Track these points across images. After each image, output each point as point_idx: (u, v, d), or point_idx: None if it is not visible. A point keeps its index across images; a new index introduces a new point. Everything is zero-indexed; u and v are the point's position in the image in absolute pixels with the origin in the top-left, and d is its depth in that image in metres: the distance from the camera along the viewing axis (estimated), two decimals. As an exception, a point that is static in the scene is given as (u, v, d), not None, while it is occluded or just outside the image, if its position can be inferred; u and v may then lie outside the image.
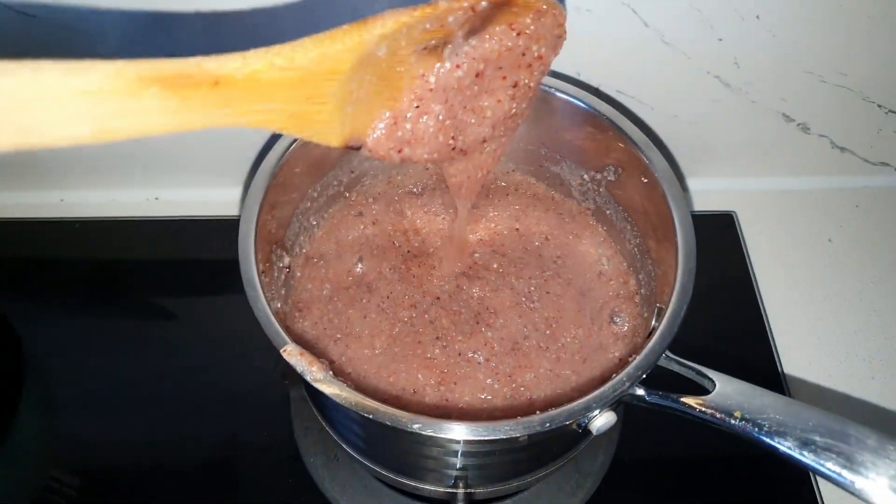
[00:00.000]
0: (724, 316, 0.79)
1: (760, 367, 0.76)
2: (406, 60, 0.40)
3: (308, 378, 0.46)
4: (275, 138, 0.57)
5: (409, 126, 0.43)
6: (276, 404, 0.73)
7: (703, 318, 0.78)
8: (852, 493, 0.43)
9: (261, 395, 0.74)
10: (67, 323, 0.80)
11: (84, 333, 0.79)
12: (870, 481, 0.43)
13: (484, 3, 0.40)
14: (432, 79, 0.42)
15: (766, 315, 0.79)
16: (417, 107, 0.43)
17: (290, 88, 0.36)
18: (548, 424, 0.45)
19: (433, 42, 0.40)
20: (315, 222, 0.65)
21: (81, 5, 0.66)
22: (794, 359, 0.76)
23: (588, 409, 0.46)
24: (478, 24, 0.42)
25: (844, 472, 0.43)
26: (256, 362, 0.74)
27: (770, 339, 0.77)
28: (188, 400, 0.74)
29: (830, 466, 0.44)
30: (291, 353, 0.46)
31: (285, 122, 0.36)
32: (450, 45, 0.41)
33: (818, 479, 0.68)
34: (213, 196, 0.88)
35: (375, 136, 0.41)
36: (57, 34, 0.68)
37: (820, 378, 0.76)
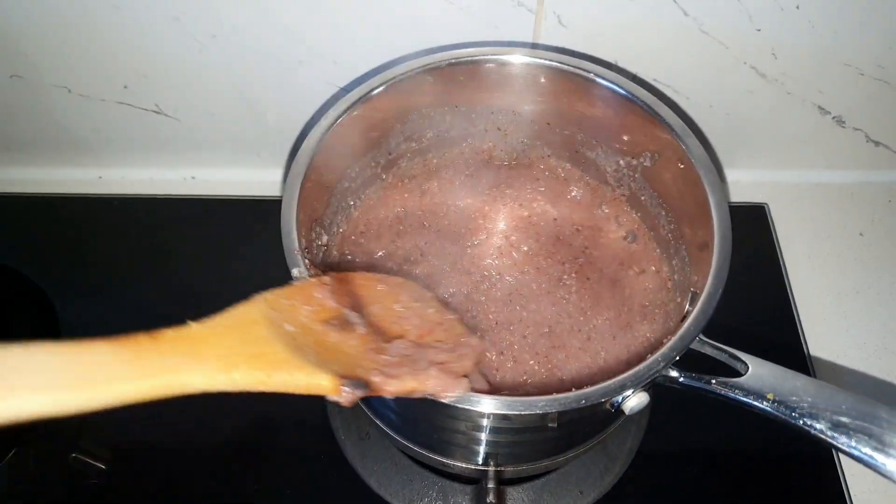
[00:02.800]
0: (754, 306, 0.79)
1: (788, 357, 0.75)
2: (327, 333, 0.44)
3: (351, 349, 0.47)
4: (312, 122, 0.58)
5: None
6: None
7: (734, 307, 0.78)
8: (884, 475, 0.43)
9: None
10: (104, 298, 0.82)
11: (120, 308, 0.81)
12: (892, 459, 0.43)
13: (327, 279, 0.48)
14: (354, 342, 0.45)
15: (795, 307, 0.79)
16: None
17: (222, 336, 0.40)
18: (583, 402, 0.46)
19: (334, 321, 0.46)
20: (352, 202, 0.67)
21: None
22: (823, 350, 0.76)
23: (623, 387, 0.47)
24: (353, 301, 0.48)
25: (876, 455, 0.44)
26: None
27: (800, 331, 0.77)
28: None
29: (862, 449, 0.44)
30: (334, 325, 0.47)
31: (254, 364, 0.39)
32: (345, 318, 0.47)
33: (843, 464, 0.69)
34: (246, 176, 0.90)
35: (377, 379, 0.43)
36: (102, 12, 0.70)
37: (849, 371, 0.76)
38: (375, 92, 0.59)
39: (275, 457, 0.71)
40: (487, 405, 0.45)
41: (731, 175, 0.90)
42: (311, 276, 0.50)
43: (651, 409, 0.72)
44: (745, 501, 0.69)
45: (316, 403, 0.73)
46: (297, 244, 0.51)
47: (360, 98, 0.58)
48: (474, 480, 0.68)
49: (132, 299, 0.82)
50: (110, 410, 0.73)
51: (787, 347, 0.76)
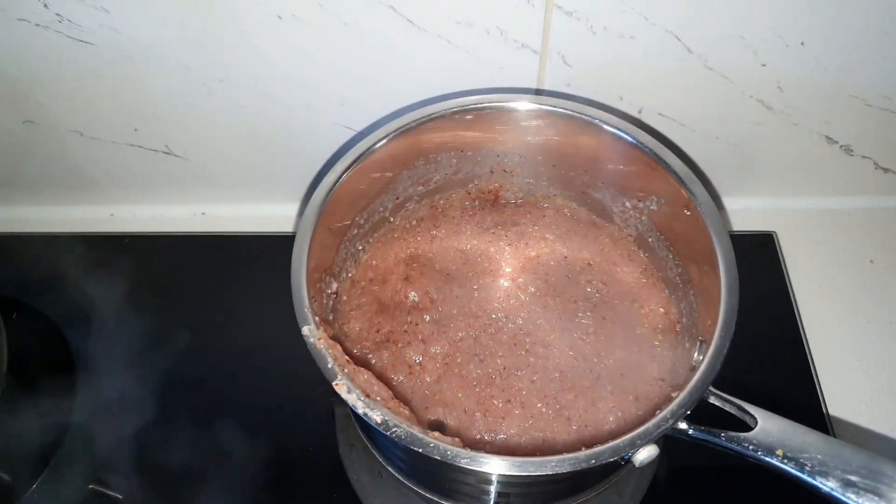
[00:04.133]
0: (762, 339, 0.79)
1: (800, 393, 0.75)
2: None
3: (359, 411, 0.47)
4: (323, 163, 0.58)
5: None
6: (322, 420, 0.75)
7: (742, 342, 0.78)
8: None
9: (306, 409, 0.76)
10: (118, 335, 0.83)
11: (134, 345, 0.82)
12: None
13: None
14: None
15: (805, 338, 0.79)
16: None
17: None
18: (593, 461, 0.46)
19: None
20: (361, 247, 0.67)
21: (138, 35, 0.68)
22: (834, 384, 0.76)
23: (632, 445, 0.47)
24: None
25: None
26: (302, 376, 0.75)
27: (810, 363, 0.77)
28: (234, 412, 0.76)
29: (868, 504, 0.44)
30: (342, 386, 0.48)
31: None
32: None
33: None
34: (257, 212, 0.91)
35: None
36: (115, 62, 0.71)
37: (861, 404, 0.75)
38: (379, 145, 0.59)
39: (286, 495, 0.71)
40: (496, 466, 0.45)
41: (738, 203, 0.90)
42: (320, 332, 0.51)
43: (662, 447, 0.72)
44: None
45: (328, 442, 0.73)
46: (307, 301, 0.52)
47: (365, 151, 0.59)
48: (487, 521, 0.68)
49: (147, 335, 0.82)
50: (128, 444, 0.73)
51: (799, 386, 0.76)
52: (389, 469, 0.63)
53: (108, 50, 0.69)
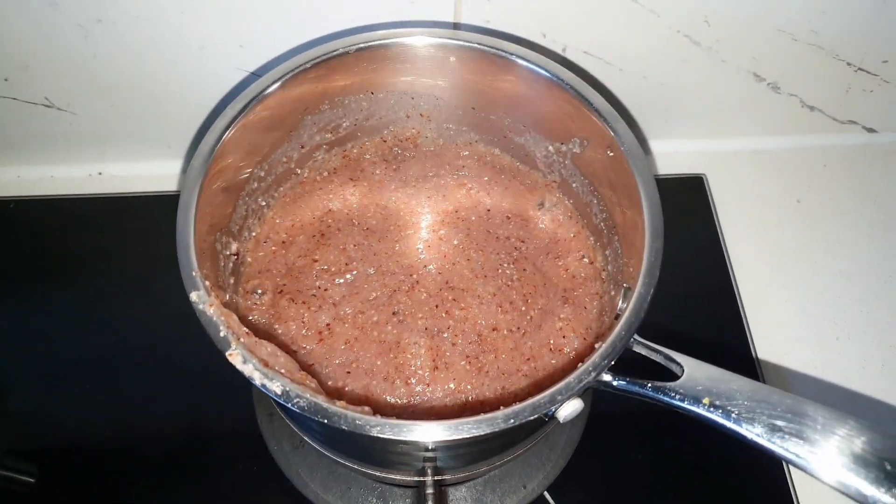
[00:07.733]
0: (693, 284, 0.78)
1: (729, 337, 0.75)
2: None
3: (256, 382, 0.43)
4: (216, 113, 0.53)
5: None
6: (237, 388, 0.70)
7: (672, 285, 0.77)
8: (812, 475, 0.42)
9: (221, 377, 0.70)
10: (9, 303, 0.76)
11: (28, 315, 0.75)
12: (819, 458, 0.41)
13: None
14: None
15: (735, 281, 0.78)
16: None
17: None
18: (512, 421, 0.43)
19: None
20: (264, 203, 0.61)
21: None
22: (763, 326, 0.75)
23: (553, 401, 0.44)
24: None
25: (809, 457, 0.42)
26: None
27: (738, 301, 0.76)
28: (145, 383, 0.71)
29: (791, 449, 0.42)
30: (236, 356, 0.43)
31: None
32: None
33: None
34: (158, 169, 0.83)
35: None
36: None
37: (787, 340, 0.75)
38: (273, 87, 0.53)
39: (205, 469, 0.67)
40: (410, 433, 0.42)
41: (668, 146, 0.87)
42: (212, 298, 0.46)
43: (593, 395, 0.70)
44: (692, 483, 0.68)
45: (245, 412, 0.69)
46: (195, 265, 0.47)
47: (258, 94, 0.53)
48: (415, 487, 0.65)
49: (42, 305, 0.76)
50: (33, 423, 0.67)
51: (727, 324, 0.75)
52: (306, 439, 0.59)
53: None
